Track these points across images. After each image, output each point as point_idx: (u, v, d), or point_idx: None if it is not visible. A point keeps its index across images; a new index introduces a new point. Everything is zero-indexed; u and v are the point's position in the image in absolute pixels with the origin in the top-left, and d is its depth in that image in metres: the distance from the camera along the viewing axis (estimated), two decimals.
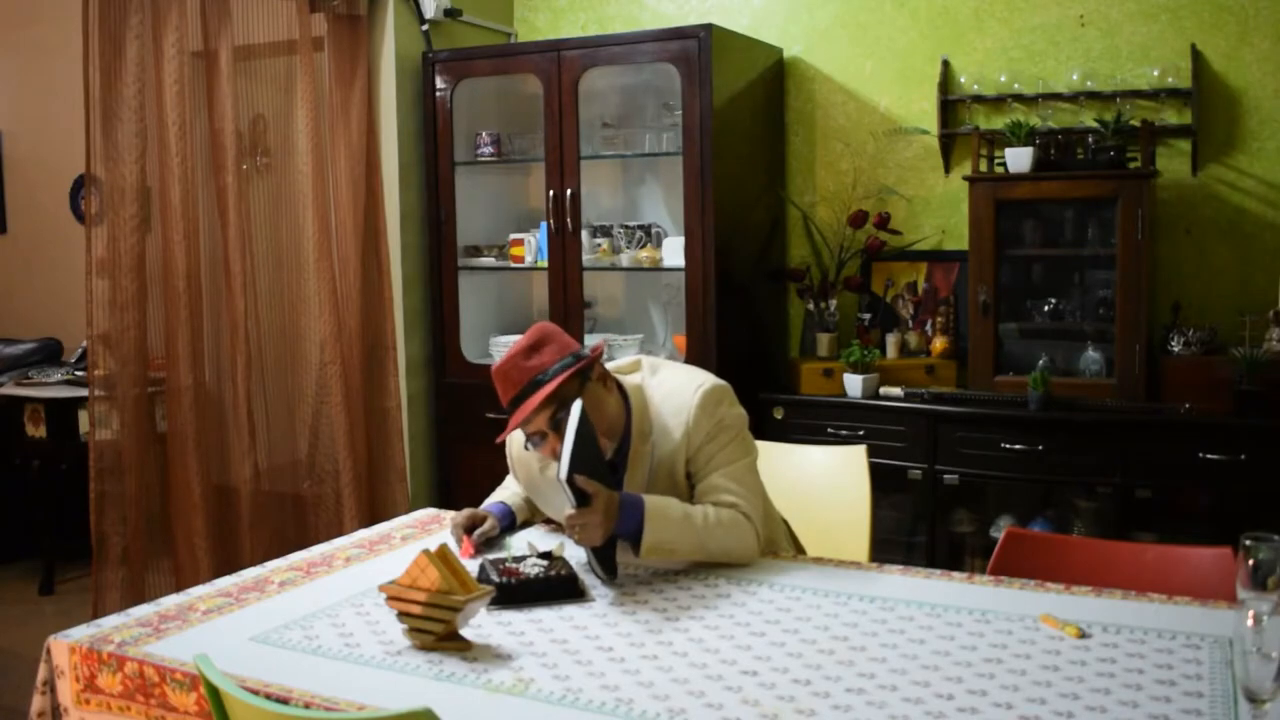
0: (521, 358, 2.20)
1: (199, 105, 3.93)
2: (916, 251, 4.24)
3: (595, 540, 2.08)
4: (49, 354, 5.20)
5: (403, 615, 1.83)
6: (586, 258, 4.22)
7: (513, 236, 4.40)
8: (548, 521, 2.50)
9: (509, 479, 2.58)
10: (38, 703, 1.89)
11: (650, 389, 2.30)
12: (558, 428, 2.14)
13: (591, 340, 4.21)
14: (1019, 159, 3.73)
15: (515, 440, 2.42)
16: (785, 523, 2.51)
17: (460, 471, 4.45)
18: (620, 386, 2.30)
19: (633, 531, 2.11)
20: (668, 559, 2.17)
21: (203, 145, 3.94)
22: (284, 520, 4.21)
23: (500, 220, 4.61)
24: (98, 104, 3.55)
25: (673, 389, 2.28)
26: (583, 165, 4.17)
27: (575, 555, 2.24)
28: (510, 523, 2.45)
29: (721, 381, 2.30)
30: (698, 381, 2.28)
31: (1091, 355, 3.78)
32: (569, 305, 4.22)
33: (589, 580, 2.12)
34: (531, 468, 2.39)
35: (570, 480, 2.04)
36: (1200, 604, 1.95)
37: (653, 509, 2.12)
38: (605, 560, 2.13)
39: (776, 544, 2.40)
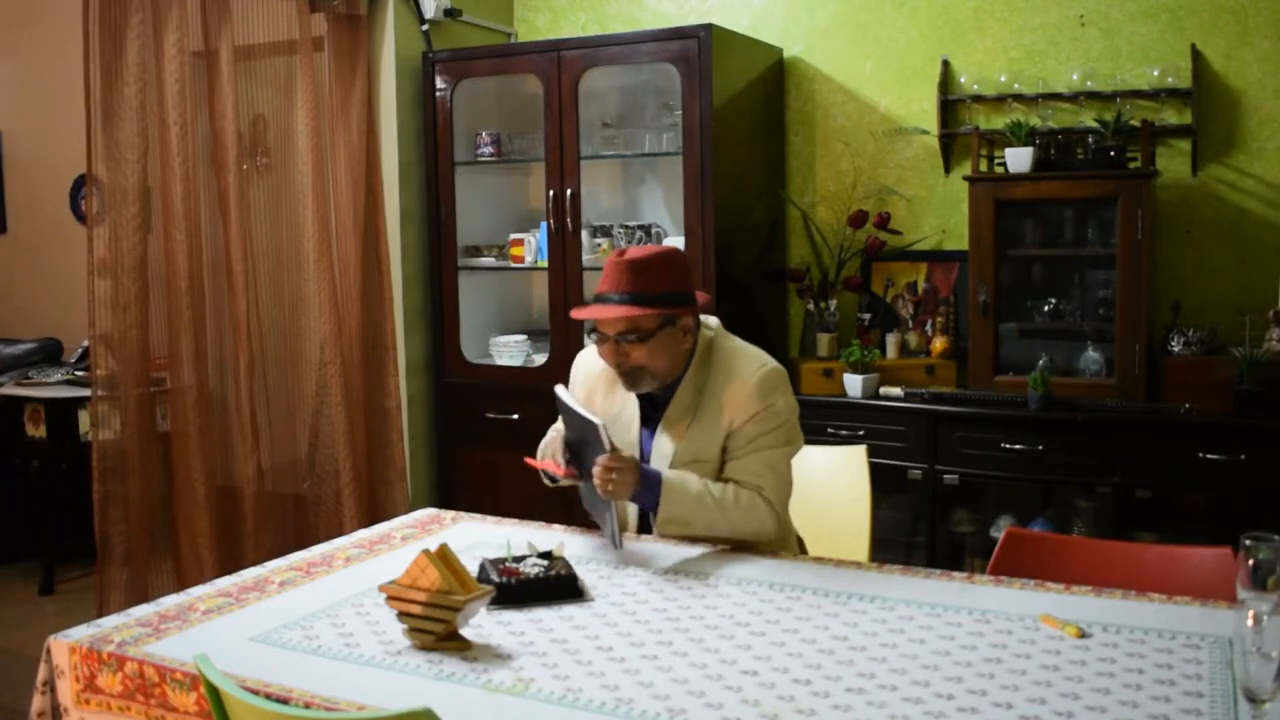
0: (635, 267, 2.27)
1: (200, 105, 3.93)
2: (916, 251, 4.24)
3: (623, 494, 2.20)
4: (49, 354, 5.20)
5: (403, 615, 1.83)
6: (586, 258, 4.22)
7: (513, 236, 4.40)
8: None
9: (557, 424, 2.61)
10: (38, 703, 1.89)
11: (718, 349, 2.39)
12: (620, 341, 2.27)
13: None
14: (1019, 159, 3.73)
15: (581, 363, 2.55)
16: (799, 539, 2.51)
17: (460, 471, 4.45)
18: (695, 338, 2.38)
19: (651, 505, 2.24)
20: (683, 531, 2.27)
21: (204, 145, 3.95)
22: (285, 520, 4.21)
23: (500, 220, 4.61)
24: (98, 104, 3.55)
25: (736, 358, 2.36)
26: (583, 165, 4.17)
27: (574, 554, 2.25)
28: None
29: (781, 368, 2.38)
30: (760, 361, 2.36)
31: (1091, 355, 3.78)
32: (569, 305, 4.21)
33: (589, 580, 2.12)
34: (593, 395, 2.48)
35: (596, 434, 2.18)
36: (1200, 604, 1.95)
37: (670, 485, 2.23)
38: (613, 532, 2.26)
39: (786, 547, 2.41)
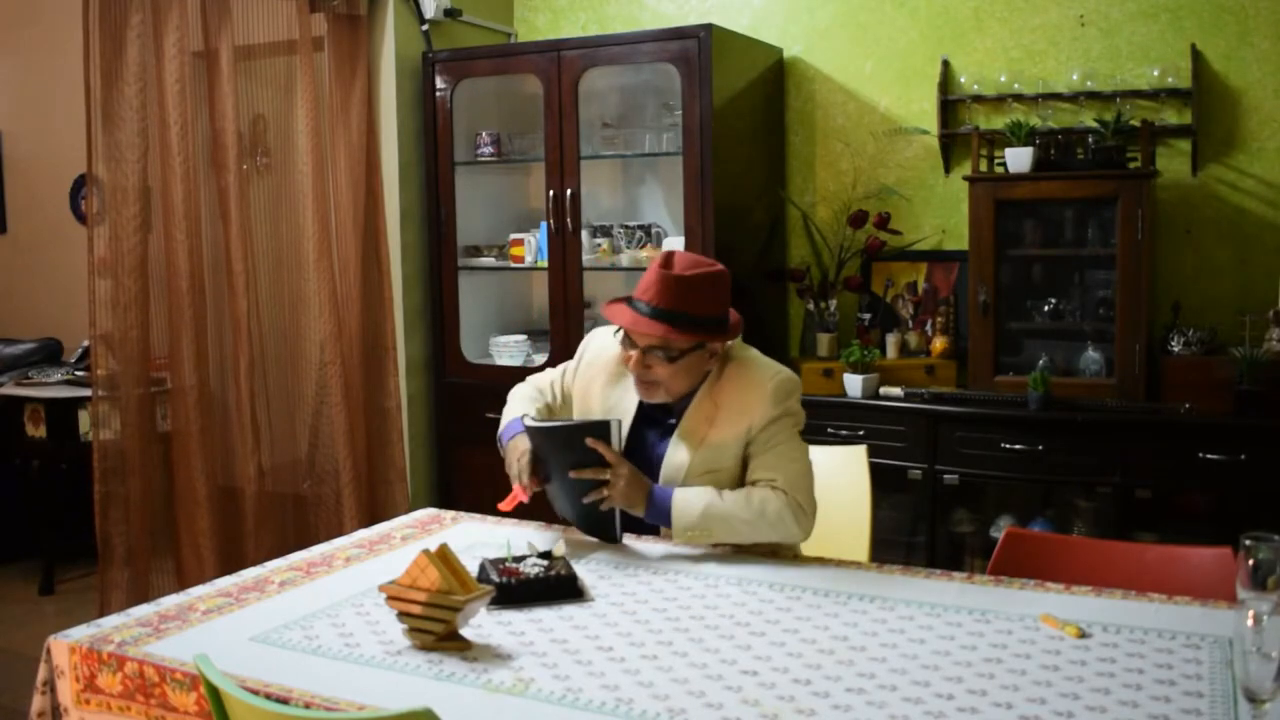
0: (681, 285, 2.24)
1: (200, 105, 3.93)
2: (916, 251, 4.24)
3: (621, 501, 2.24)
4: (49, 354, 5.20)
5: (403, 615, 1.83)
6: (586, 258, 4.22)
7: (513, 236, 4.40)
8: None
9: (529, 389, 2.59)
10: (38, 703, 1.89)
11: (734, 360, 2.38)
12: (647, 353, 2.26)
13: None
14: (1019, 159, 3.73)
15: (594, 344, 2.51)
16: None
17: (460, 471, 4.45)
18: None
19: (665, 523, 2.27)
20: (705, 541, 2.27)
21: (204, 145, 3.95)
22: (286, 520, 4.22)
23: (500, 220, 4.61)
24: (99, 104, 3.55)
25: (751, 369, 2.36)
26: (583, 165, 4.17)
27: (574, 554, 2.25)
28: None
29: (796, 376, 2.38)
30: (775, 369, 2.36)
31: (1091, 355, 3.78)
32: (569, 305, 4.22)
33: (589, 580, 2.12)
34: (594, 380, 2.46)
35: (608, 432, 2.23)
36: (1200, 604, 1.95)
37: (677, 506, 2.24)
38: (608, 527, 2.30)
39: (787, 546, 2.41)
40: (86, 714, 1.84)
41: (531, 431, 2.31)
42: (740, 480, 2.34)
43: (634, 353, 2.28)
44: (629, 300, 2.31)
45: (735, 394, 2.32)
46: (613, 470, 2.24)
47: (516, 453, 2.36)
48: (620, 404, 2.43)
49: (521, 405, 2.53)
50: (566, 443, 2.28)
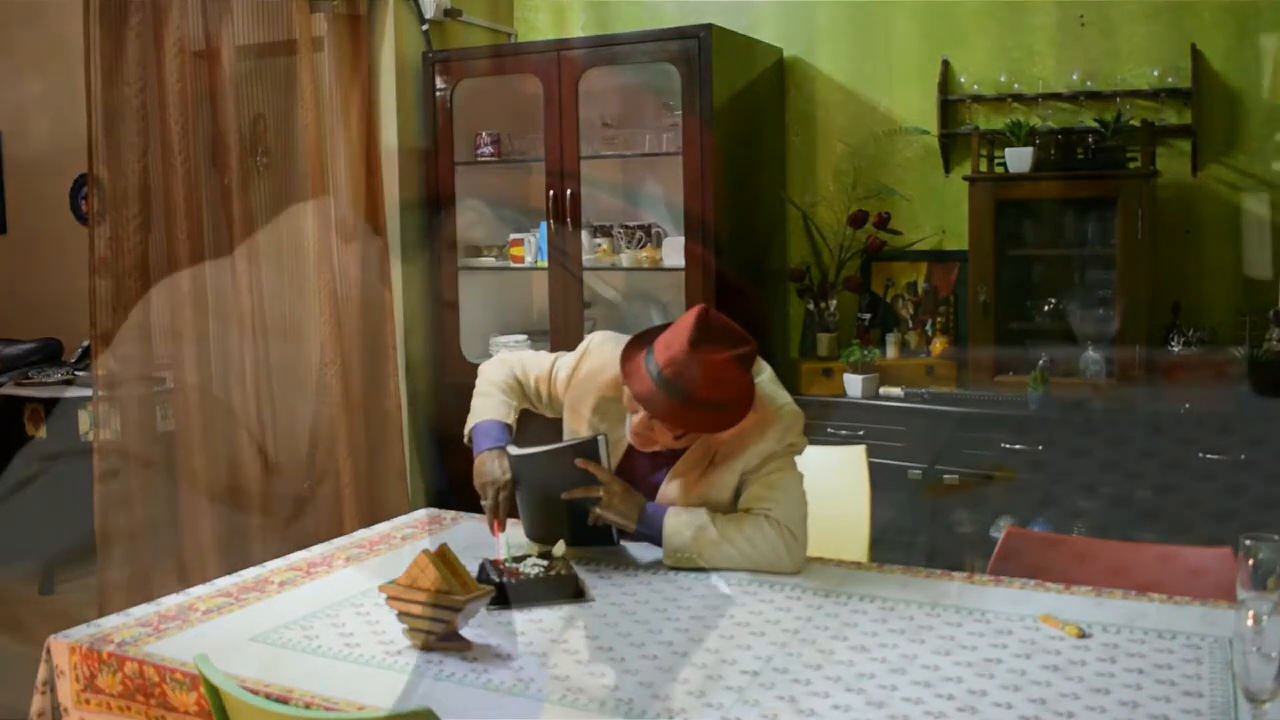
0: (708, 373, 2.10)
1: (200, 105, 3.93)
2: (916, 251, 4.24)
3: (610, 515, 2.21)
4: (49, 354, 5.20)
5: (403, 615, 1.83)
6: (586, 258, 4.22)
7: (513, 236, 4.40)
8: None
9: (506, 376, 2.52)
10: (38, 703, 1.89)
11: None
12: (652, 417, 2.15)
13: None
14: (1019, 159, 3.73)
15: (593, 354, 2.38)
16: None
17: (460, 471, 4.44)
18: None
19: (655, 541, 2.23)
20: (694, 564, 2.20)
21: (204, 144, 3.94)
22: (287, 520, 4.21)
23: (500, 220, 4.61)
24: (99, 104, 3.54)
25: (754, 404, 2.24)
26: (583, 165, 4.17)
27: (574, 554, 2.25)
28: (509, 438, 2.40)
29: (798, 409, 2.31)
30: (778, 403, 2.28)
31: (1091, 355, 3.77)
32: (569, 305, 4.21)
33: (589, 580, 2.13)
34: (587, 395, 2.36)
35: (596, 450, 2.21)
36: (1200, 604, 1.95)
37: (670, 527, 2.20)
38: (603, 533, 2.28)
39: None
40: (86, 714, 1.84)
41: (517, 460, 2.26)
42: (733, 508, 2.28)
43: (640, 415, 2.17)
44: (647, 354, 2.17)
45: (736, 432, 2.23)
46: (605, 487, 2.21)
47: (494, 483, 2.29)
48: (613, 430, 2.33)
49: (496, 404, 2.45)
50: (554, 465, 2.23)
